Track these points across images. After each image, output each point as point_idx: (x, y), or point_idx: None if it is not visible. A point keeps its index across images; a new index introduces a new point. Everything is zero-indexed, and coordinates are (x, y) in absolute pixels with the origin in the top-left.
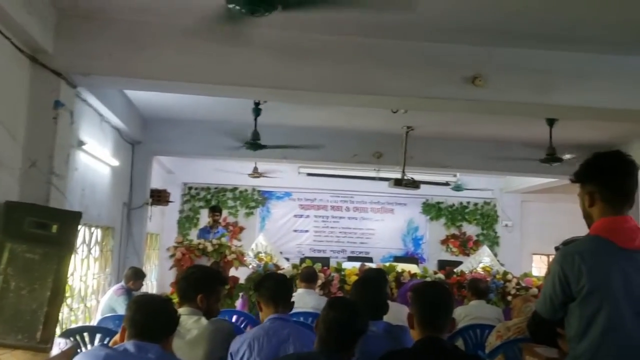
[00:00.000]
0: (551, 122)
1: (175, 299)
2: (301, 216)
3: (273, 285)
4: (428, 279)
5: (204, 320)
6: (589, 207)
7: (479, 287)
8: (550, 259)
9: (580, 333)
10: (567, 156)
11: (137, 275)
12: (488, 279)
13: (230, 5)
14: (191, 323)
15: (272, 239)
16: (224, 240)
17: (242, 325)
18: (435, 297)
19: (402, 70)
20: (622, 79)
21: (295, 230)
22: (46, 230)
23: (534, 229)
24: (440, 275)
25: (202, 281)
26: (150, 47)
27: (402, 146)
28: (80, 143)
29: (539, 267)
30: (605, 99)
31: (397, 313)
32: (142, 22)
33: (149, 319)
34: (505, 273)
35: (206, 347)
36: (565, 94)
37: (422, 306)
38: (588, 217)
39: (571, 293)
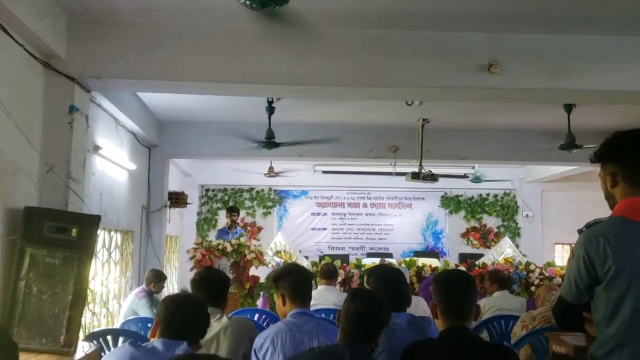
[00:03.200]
0: (569, 108)
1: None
2: (318, 214)
3: (299, 280)
4: None
5: (225, 318)
6: (610, 187)
7: (501, 278)
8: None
9: (607, 317)
10: (584, 145)
11: (158, 277)
12: (511, 270)
13: (242, 1)
14: (213, 321)
15: (290, 237)
16: (242, 240)
17: (264, 324)
18: (458, 283)
19: (416, 60)
20: (639, 60)
21: (313, 229)
22: (66, 234)
23: (555, 219)
24: (462, 269)
25: (226, 286)
26: (163, 48)
27: (418, 139)
28: (97, 148)
29: (561, 257)
30: (623, 82)
31: (416, 305)
32: (153, 23)
33: (185, 320)
34: (528, 263)
35: (228, 343)
36: (582, 78)
37: (444, 294)
38: (610, 198)
39: (597, 276)
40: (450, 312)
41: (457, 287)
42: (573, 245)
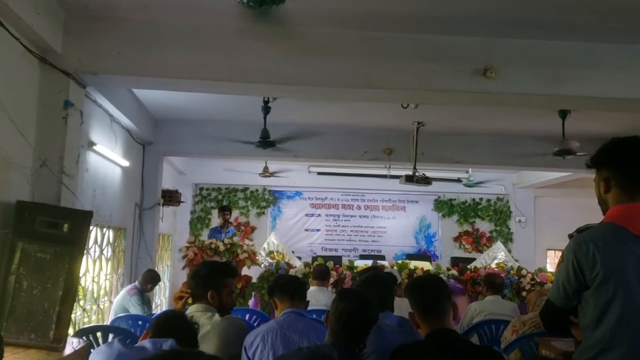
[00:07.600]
0: (564, 114)
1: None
2: (312, 215)
3: (286, 281)
4: (441, 276)
5: (217, 317)
6: (604, 193)
7: (494, 282)
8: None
9: (594, 321)
10: (578, 152)
11: (155, 280)
12: (502, 275)
13: None
14: (204, 319)
15: (284, 238)
16: (235, 239)
17: (255, 324)
18: (426, 283)
19: (412, 63)
20: (635, 67)
21: (306, 230)
22: (57, 229)
23: (547, 224)
24: (454, 272)
25: (210, 277)
26: (159, 45)
27: (413, 142)
28: (91, 144)
29: (553, 263)
30: (619, 89)
31: (407, 307)
32: (150, 20)
33: (174, 330)
34: (520, 269)
35: (217, 342)
36: (576, 85)
37: (417, 297)
38: (603, 203)
39: (585, 281)
40: (427, 312)
41: (427, 285)
42: (564, 248)
